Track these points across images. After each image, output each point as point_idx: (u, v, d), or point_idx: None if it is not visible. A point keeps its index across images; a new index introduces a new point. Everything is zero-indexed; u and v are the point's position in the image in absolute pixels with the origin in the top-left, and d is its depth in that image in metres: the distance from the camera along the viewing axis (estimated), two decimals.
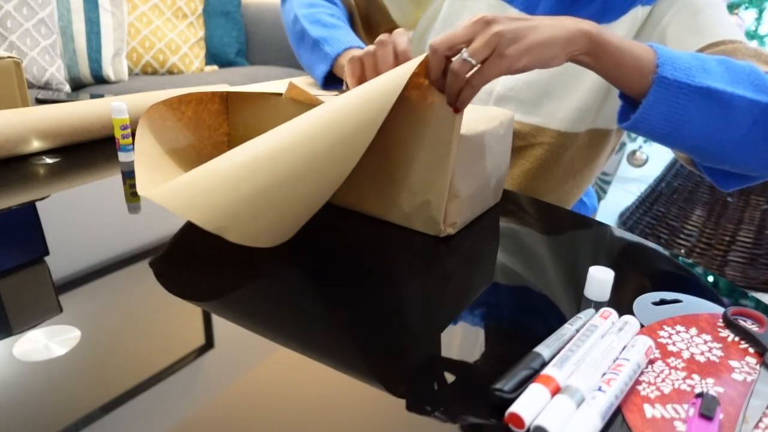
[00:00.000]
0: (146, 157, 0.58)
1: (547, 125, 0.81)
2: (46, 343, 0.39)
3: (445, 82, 0.49)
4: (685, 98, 0.44)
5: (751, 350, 0.43)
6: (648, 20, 0.77)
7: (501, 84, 0.82)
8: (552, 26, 0.45)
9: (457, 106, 0.50)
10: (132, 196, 0.64)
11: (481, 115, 0.63)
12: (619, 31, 0.77)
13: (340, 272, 0.51)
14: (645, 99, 0.46)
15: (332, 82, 0.83)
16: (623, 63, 0.46)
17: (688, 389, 0.38)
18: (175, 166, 0.61)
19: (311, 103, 0.61)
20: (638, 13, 0.77)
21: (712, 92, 0.44)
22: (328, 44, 0.81)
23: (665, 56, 0.46)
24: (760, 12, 1.78)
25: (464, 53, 0.46)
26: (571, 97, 0.80)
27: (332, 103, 0.52)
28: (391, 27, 0.96)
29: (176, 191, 0.50)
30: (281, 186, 0.49)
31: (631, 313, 0.47)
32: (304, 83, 0.85)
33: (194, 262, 0.51)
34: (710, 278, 0.56)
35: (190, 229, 0.57)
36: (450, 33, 0.48)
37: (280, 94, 0.64)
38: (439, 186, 0.56)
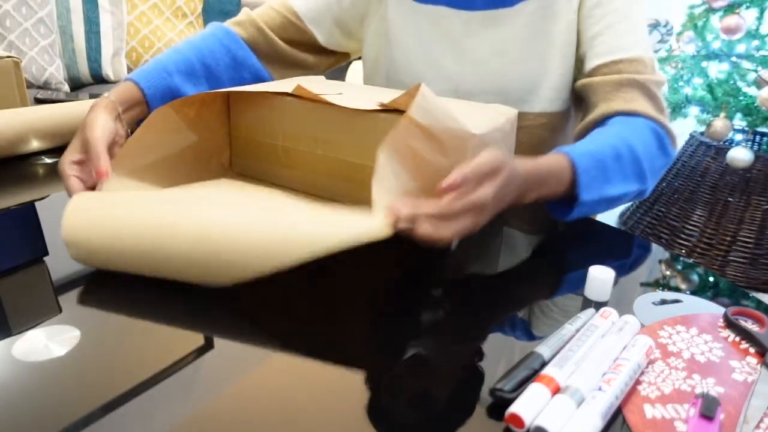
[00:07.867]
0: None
1: (522, 109, 0.80)
2: (46, 343, 0.39)
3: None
4: (596, 206, 0.63)
5: (751, 350, 0.42)
6: None
7: (465, 82, 0.81)
8: (503, 203, 0.52)
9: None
10: None
11: (487, 113, 0.62)
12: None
13: (341, 272, 0.51)
14: (570, 214, 0.61)
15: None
16: (551, 198, 0.60)
17: (689, 389, 0.38)
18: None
19: (316, 101, 0.61)
20: None
21: (612, 198, 0.64)
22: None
23: (581, 182, 0.59)
24: (761, 11, 1.78)
25: (454, 244, 0.56)
26: (543, 79, 0.79)
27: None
28: (317, 53, 0.90)
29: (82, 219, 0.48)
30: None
31: (631, 313, 0.47)
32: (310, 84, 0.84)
33: None
34: (711, 278, 0.56)
35: None
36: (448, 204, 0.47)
37: (282, 95, 0.63)
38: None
